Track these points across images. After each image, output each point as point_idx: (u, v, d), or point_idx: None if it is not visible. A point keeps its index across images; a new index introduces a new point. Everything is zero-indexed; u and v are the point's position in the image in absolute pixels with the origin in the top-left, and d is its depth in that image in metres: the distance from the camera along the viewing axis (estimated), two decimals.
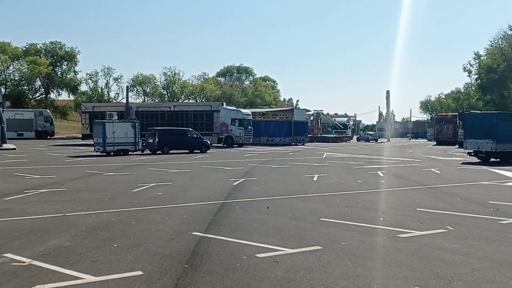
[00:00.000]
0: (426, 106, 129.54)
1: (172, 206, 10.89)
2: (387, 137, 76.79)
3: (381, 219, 9.44)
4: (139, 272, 5.88)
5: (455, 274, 5.82)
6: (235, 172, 19.00)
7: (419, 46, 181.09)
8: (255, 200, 11.78)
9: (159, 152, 32.21)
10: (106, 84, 76.53)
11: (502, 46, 39.72)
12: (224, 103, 50.54)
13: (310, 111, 70.07)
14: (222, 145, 43.70)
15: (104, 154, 30.14)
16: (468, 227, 8.71)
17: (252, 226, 8.70)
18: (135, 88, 77.42)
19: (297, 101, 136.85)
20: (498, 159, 26.24)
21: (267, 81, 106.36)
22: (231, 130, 43.84)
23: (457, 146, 48.09)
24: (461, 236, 7.98)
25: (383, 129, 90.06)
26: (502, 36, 39.90)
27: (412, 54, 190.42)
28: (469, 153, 27.37)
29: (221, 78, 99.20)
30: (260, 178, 16.95)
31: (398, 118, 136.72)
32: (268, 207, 10.65)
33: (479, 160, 26.49)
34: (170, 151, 32.42)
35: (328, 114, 79.72)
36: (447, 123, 59.73)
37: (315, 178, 17.06)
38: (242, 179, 16.40)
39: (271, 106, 79.70)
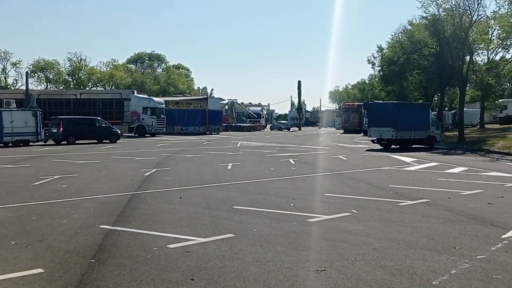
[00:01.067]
0: (334, 96, 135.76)
1: (78, 199, 10.35)
2: (299, 126, 79.53)
3: (292, 205, 9.76)
4: (40, 270, 5.51)
5: (358, 254, 6.21)
6: (147, 163, 18.54)
7: (329, 38, 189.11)
8: (168, 191, 11.58)
9: (64, 142, 30.45)
10: (3, 70, 70.02)
11: (402, 40, 42.89)
12: (135, 91, 48.93)
13: (225, 100, 70.44)
14: (133, 134, 42.48)
15: (1, 145, 27.80)
16: (370, 209, 9.32)
17: (164, 216, 8.56)
18: (36, 74, 71.75)
19: (212, 90, 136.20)
20: (398, 146, 28.43)
21: (180, 69, 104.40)
22: (142, 119, 42.74)
23: (362, 134, 51.30)
24: (364, 218, 8.52)
25: (295, 118, 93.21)
26: (402, 31, 43.06)
27: (322, 46, 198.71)
28: (372, 141, 29.35)
29: (132, 65, 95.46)
30: (173, 168, 16.71)
31: (309, 108, 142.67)
32: (180, 197, 10.53)
33: (381, 147, 28.48)
34: (77, 142, 30.77)
35: (242, 103, 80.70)
36: (353, 112, 63.36)
37: (229, 167, 17.19)
38: (154, 170, 16.05)
39: (185, 94, 78.53)
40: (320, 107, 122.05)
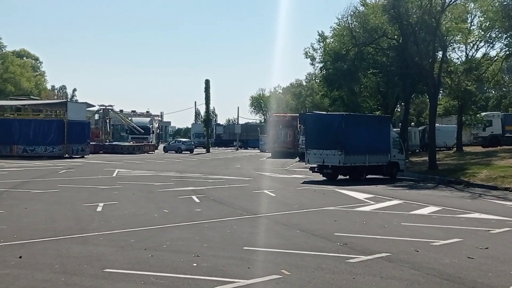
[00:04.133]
0: (258, 103, 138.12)
1: None
2: (207, 147, 79.78)
3: (194, 264, 9.69)
4: None
5: None
6: None
7: (250, 24, 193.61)
8: (0, 247, 11.07)
9: None
10: None
11: (352, 26, 44.20)
12: None
13: (94, 106, 68.89)
14: None
15: None
16: (308, 269, 9.50)
17: None
18: None
19: (74, 91, 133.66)
20: (348, 176, 29.49)
21: (24, 58, 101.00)
22: None
23: (297, 158, 52.60)
24: (299, 283, 8.66)
25: (201, 134, 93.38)
26: (352, 13, 44.31)
27: (243, 34, 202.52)
28: (312, 169, 30.17)
29: None
30: (10, 211, 16.06)
31: (222, 119, 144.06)
32: (20, 257, 10.10)
33: (324, 178, 29.37)
34: None
35: (121, 111, 79.43)
36: (285, 127, 64.66)
37: (99, 208, 16.82)
38: None
39: (32, 97, 75.71)
40: (238, 118, 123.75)
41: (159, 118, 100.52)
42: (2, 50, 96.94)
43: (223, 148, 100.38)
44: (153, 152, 68.73)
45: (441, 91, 45.22)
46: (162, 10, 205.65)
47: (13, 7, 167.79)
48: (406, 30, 37.64)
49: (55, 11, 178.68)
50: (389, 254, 10.84)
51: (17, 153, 48.75)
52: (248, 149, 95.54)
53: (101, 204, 17.64)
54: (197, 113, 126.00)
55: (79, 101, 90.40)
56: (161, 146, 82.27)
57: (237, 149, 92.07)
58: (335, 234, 13.02)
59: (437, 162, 36.13)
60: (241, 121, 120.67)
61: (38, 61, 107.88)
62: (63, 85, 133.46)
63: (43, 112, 60.41)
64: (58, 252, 10.63)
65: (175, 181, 27.40)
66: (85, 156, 51.64)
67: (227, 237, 12.64)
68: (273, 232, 13.45)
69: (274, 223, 14.85)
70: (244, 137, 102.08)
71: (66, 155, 50.22)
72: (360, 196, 21.84)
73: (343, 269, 9.58)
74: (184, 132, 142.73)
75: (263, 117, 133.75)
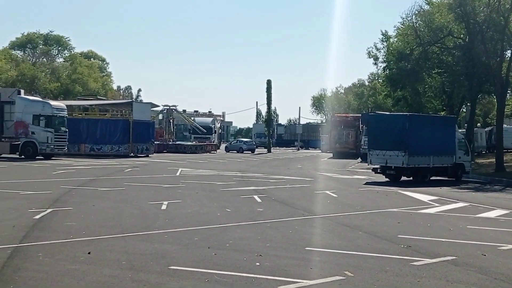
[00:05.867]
0: (320, 103, 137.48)
1: None
2: (268, 147, 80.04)
3: (257, 264, 9.75)
4: None
5: None
6: (38, 199, 18.15)
7: (314, 24, 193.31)
8: (70, 242, 11.38)
9: None
10: None
11: (417, 25, 43.65)
12: (22, 91, 48.07)
13: (159, 106, 70.09)
14: (18, 155, 41.56)
15: None
16: (372, 271, 9.42)
17: (64, 283, 8.40)
18: None
19: (139, 91, 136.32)
20: (411, 178, 29.04)
21: (92, 59, 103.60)
22: (33, 133, 41.98)
23: (359, 159, 52.19)
24: (363, 284, 8.60)
25: (263, 134, 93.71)
26: (416, 12, 43.80)
27: (304, 35, 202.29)
28: (374, 170, 29.86)
29: (18, 52, 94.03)
30: (78, 208, 16.44)
31: (283, 120, 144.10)
32: (89, 253, 10.37)
33: (387, 179, 29.01)
34: None
35: (184, 111, 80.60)
36: (347, 127, 64.27)
37: (163, 207, 17.07)
38: (49, 210, 15.74)
39: (99, 97, 77.73)
40: (299, 119, 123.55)
41: (221, 118, 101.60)
42: (71, 51, 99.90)
43: (284, 148, 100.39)
44: (215, 152, 69.35)
45: (509, 91, 43.89)
46: (224, 12, 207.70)
47: (81, 9, 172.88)
48: (473, 28, 36.82)
49: (122, 13, 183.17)
50: (455, 257, 10.63)
51: (84, 151, 50.02)
52: (309, 149, 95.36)
53: (166, 203, 17.91)
54: (258, 113, 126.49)
55: (144, 101, 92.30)
56: (223, 146, 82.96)
57: (298, 149, 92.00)
58: (399, 236, 12.87)
59: (505, 164, 35.18)
60: (302, 121, 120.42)
61: (105, 62, 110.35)
62: (128, 86, 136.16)
63: (109, 111, 61.85)
64: (125, 249, 10.88)
65: (237, 181, 27.62)
66: (149, 155, 52.54)
67: (289, 237, 12.66)
68: (335, 233, 13.40)
69: (336, 224, 14.79)
70: (305, 137, 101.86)
71: (131, 154, 51.19)
72: (424, 198, 21.50)
73: (407, 272, 9.47)
74: (246, 132, 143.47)
75: (324, 117, 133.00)
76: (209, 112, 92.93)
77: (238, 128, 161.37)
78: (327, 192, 22.98)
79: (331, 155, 63.72)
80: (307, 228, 14.03)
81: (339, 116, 72.15)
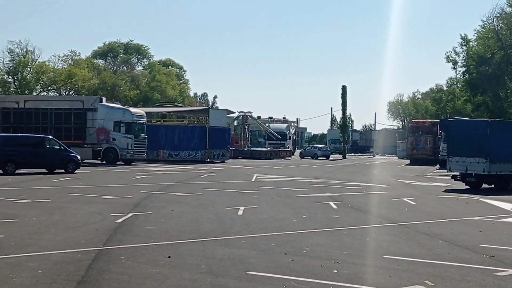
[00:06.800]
0: (396, 109, 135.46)
1: (20, 255, 10.46)
2: (343, 153, 79.42)
3: (335, 271, 9.70)
4: None
5: None
6: (120, 204, 18.70)
7: (388, 27, 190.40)
8: (151, 246, 11.65)
9: (0, 172, 30.89)
10: None
11: (498, 28, 42.33)
12: (104, 99, 49.60)
13: (234, 113, 70.81)
14: (99, 161, 42.83)
15: None
16: (453, 281, 9.20)
17: (146, 285, 8.60)
18: None
19: (215, 98, 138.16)
20: (493, 185, 28.09)
21: (170, 67, 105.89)
22: (114, 139, 43.13)
23: (438, 166, 50.94)
24: None
25: (337, 140, 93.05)
26: (498, 15, 42.46)
27: (379, 38, 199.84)
28: (454, 177, 29.06)
29: (100, 61, 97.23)
30: (157, 213, 16.79)
31: (358, 125, 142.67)
32: (169, 256, 10.57)
33: (467, 187, 28.18)
34: (18, 171, 31.19)
35: (259, 118, 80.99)
36: (425, 133, 62.96)
37: (240, 212, 17.21)
38: (130, 214, 16.16)
39: (176, 104, 79.37)
40: (374, 124, 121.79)
41: (295, 124, 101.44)
42: (150, 59, 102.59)
43: (359, 154, 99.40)
44: (290, 158, 69.33)
45: None
46: (300, 18, 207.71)
47: (160, 19, 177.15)
48: None
49: (199, 22, 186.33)
50: None
51: (162, 157, 50.91)
52: (385, 155, 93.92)
53: (242, 208, 18.04)
54: (333, 119, 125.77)
55: (219, 107, 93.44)
56: (297, 152, 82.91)
57: (374, 156, 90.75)
58: (481, 245, 12.50)
59: None
60: (378, 127, 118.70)
61: (182, 70, 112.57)
62: (204, 93, 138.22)
63: (186, 118, 62.91)
64: (204, 253, 11.04)
65: (312, 187, 27.53)
66: (225, 161, 53.00)
67: (367, 244, 12.53)
68: (414, 241, 13.15)
69: (415, 232, 14.51)
70: (381, 143, 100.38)
71: (208, 160, 51.77)
72: (507, 206, 20.77)
73: (491, 282, 9.19)
74: (320, 138, 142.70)
75: (401, 123, 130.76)
76: (284, 118, 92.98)
77: (312, 134, 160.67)
78: (405, 199, 22.58)
79: (408, 161, 62.74)
80: (385, 235, 13.85)
81: (417, 122, 70.93)
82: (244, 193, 23.68)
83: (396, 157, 78.99)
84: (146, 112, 50.23)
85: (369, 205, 20.72)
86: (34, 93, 73.87)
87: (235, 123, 73.74)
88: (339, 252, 11.46)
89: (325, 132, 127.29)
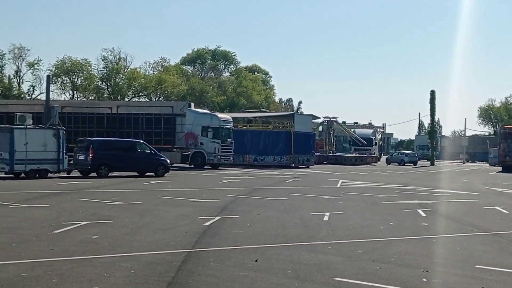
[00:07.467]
0: (487, 114, 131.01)
1: (114, 256, 10.81)
2: (431, 159, 77.51)
3: (424, 280, 9.49)
4: None
5: None
6: (207, 207, 19.00)
7: (478, 31, 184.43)
8: (238, 249, 11.75)
9: (94, 174, 31.98)
10: (16, 72, 75.67)
11: None
12: (192, 104, 50.64)
13: (319, 118, 70.58)
14: (188, 165, 43.65)
15: (11, 175, 29.81)
16: None
17: None
18: (59, 79, 76.91)
19: (300, 103, 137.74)
20: None
21: (256, 73, 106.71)
22: (201, 143, 43.88)
23: None
24: None
25: (425, 146, 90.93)
26: None
27: (468, 42, 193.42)
28: None
29: (189, 67, 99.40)
30: (244, 216, 16.94)
31: (447, 132, 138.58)
32: (256, 260, 10.62)
33: None
34: (110, 174, 32.23)
35: (344, 123, 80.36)
36: None
37: (325, 218, 17.09)
38: (217, 217, 16.38)
39: (262, 109, 79.88)
40: (465, 130, 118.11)
41: (382, 130, 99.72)
42: (237, 66, 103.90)
43: (448, 161, 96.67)
44: (376, 164, 68.38)
45: None
46: (386, 22, 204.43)
47: (247, 26, 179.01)
48: None
49: (284, 28, 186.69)
50: None
51: (248, 162, 51.35)
52: (475, 162, 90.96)
53: (327, 214, 17.89)
54: (420, 125, 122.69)
55: (304, 113, 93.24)
56: (383, 158, 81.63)
57: (464, 162, 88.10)
58: None
59: None
60: (468, 133, 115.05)
61: (268, 76, 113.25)
62: (289, 98, 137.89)
63: (271, 123, 63.30)
64: (290, 258, 11.03)
65: (399, 194, 26.99)
66: (310, 167, 52.84)
67: (457, 253, 12.15)
68: (508, 251, 12.66)
69: (509, 242, 13.94)
70: (471, 149, 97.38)
71: (292, 165, 51.75)
72: None
73: None
74: (407, 144, 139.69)
75: (492, 129, 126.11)
76: (369, 123, 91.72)
77: (399, 140, 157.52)
78: (497, 207, 21.72)
79: (500, 168, 60.46)
80: (476, 245, 13.37)
81: (509, 127, 68.21)
82: (329, 198, 23.52)
83: (487, 164, 76.47)
84: (232, 118, 50.75)
85: (459, 213, 20.11)
86: (126, 99, 76.51)
87: (320, 128, 73.48)
88: (429, 260, 11.17)
89: (412, 137, 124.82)
